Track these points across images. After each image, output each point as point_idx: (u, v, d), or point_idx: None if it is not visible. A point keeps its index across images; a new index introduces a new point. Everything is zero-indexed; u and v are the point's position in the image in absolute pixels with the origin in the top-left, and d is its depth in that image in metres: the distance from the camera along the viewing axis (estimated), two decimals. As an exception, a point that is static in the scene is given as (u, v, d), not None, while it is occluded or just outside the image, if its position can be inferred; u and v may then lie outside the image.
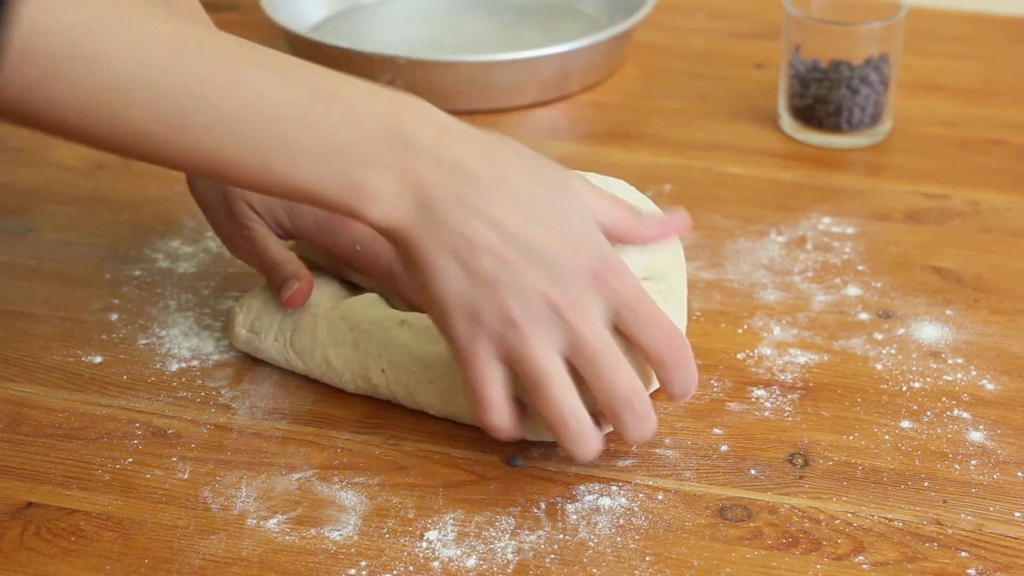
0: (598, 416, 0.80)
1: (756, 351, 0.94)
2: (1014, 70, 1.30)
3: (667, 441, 0.87)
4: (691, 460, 0.85)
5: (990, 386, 0.91)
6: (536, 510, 0.82)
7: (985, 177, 1.14)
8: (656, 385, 0.86)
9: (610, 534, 0.80)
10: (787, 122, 1.20)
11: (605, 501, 0.83)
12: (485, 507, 0.82)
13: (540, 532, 0.80)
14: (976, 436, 0.87)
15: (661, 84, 1.29)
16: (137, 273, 1.02)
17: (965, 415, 0.89)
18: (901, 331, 0.96)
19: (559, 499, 0.83)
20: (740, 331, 0.96)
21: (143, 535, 0.81)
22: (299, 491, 0.83)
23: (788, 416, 0.89)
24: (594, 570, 0.78)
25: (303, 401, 0.90)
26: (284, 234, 0.94)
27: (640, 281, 0.80)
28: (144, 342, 0.95)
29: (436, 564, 0.78)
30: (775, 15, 1.28)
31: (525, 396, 0.80)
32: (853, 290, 1.00)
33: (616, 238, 0.80)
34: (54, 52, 0.71)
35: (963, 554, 0.79)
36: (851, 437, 0.87)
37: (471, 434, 0.87)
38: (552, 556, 0.79)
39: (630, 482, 0.84)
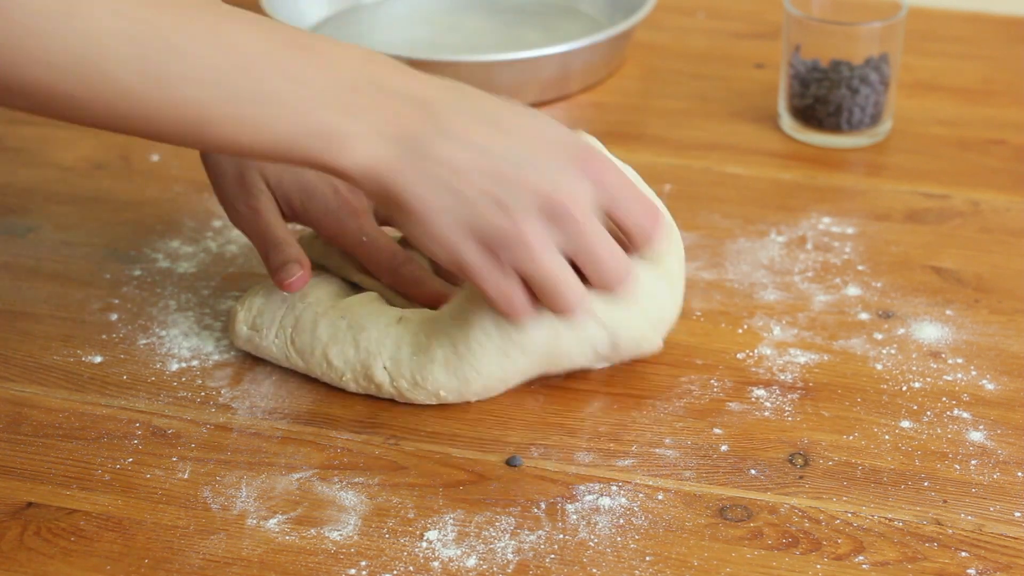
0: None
1: (756, 351, 0.94)
2: (1014, 70, 1.30)
3: (667, 441, 0.87)
4: (691, 460, 0.85)
5: (990, 386, 0.91)
6: (536, 510, 0.82)
7: (985, 177, 1.14)
8: (655, 347, 0.90)
9: (610, 534, 0.80)
10: (787, 122, 1.20)
11: (605, 501, 0.83)
12: (485, 507, 0.82)
13: (540, 532, 0.80)
14: (976, 436, 0.87)
15: (661, 84, 1.29)
16: (137, 273, 1.02)
17: (965, 415, 0.89)
18: (901, 331, 0.96)
19: (559, 499, 0.83)
20: (740, 331, 0.96)
21: (143, 535, 0.81)
22: (299, 491, 0.83)
23: (788, 416, 0.89)
24: (594, 570, 0.78)
25: (303, 401, 0.90)
26: (291, 216, 0.93)
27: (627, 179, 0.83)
28: (144, 342, 0.95)
29: (436, 564, 0.78)
30: (775, 15, 1.28)
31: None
32: (853, 290, 1.00)
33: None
34: (32, 6, 0.71)
35: (963, 554, 0.79)
36: (851, 437, 0.87)
37: (471, 434, 0.87)
38: (552, 556, 0.79)
39: (630, 482, 0.84)
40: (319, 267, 0.96)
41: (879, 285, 1.00)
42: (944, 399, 0.90)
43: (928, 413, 0.89)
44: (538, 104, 1.24)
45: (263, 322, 0.92)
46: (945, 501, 0.82)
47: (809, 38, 1.16)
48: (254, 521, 0.81)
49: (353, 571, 0.78)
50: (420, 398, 0.89)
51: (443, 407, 0.89)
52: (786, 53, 1.18)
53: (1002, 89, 1.27)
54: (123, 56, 0.73)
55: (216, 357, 0.94)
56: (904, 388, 0.91)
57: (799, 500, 0.82)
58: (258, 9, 1.31)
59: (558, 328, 0.86)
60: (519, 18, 1.37)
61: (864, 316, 0.97)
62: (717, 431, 0.88)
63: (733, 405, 0.90)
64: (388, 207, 0.80)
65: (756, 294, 1.00)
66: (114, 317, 0.98)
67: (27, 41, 0.72)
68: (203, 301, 0.99)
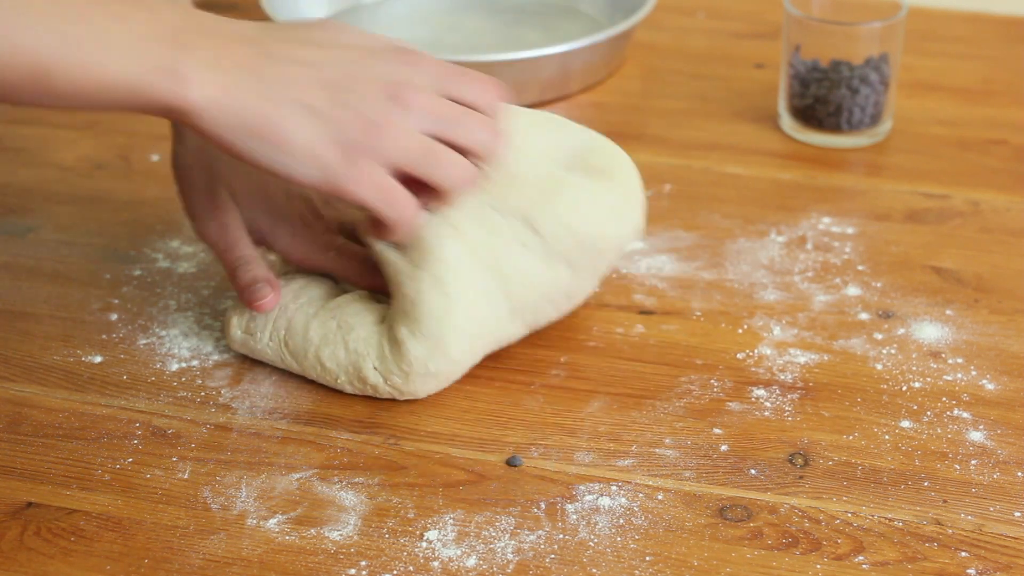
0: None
1: (756, 351, 0.94)
2: (1014, 70, 1.30)
3: (667, 441, 0.87)
4: (691, 460, 0.85)
5: (990, 386, 0.91)
6: (536, 510, 0.82)
7: (985, 177, 1.14)
8: (584, 296, 0.93)
9: (610, 534, 0.80)
10: (787, 122, 1.20)
11: (605, 501, 0.83)
12: (485, 507, 0.82)
13: (540, 532, 0.80)
14: (976, 436, 0.87)
15: (661, 84, 1.29)
16: (137, 273, 1.02)
17: (965, 415, 0.89)
18: (901, 331, 0.96)
19: (559, 499, 0.83)
20: (740, 331, 0.96)
21: (143, 535, 0.81)
22: (299, 491, 0.83)
23: (788, 416, 0.89)
24: (594, 570, 0.78)
25: (303, 401, 0.90)
26: (258, 240, 0.94)
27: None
28: (144, 342, 0.95)
29: (436, 564, 0.78)
30: (775, 15, 1.28)
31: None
32: (853, 290, 1.00)
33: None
34: None
35: (963, 554, 0.79)
36: (851, 437, 0.87)
37: (471, 434, 0.87)
38: (552, 556, 0.79)
39: (630, 482, 0.84)
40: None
41: (879, 285, 1.00)
42: (944, 399, 0.90)
43: (928, 413, 0.89)
44: (538, 104, 1.24)
45: (256, 326, 0.92)
46: (945, 501, 0.82)
47: (809, 38, 1.16)
48: (254, 521, 0.81)
49: (353, 571, 0.78)
50: (419, 387, 0.88)
51: (443, 407, 0.89)
52: (786, 53, 1.18)
53: (1002, 89, 1.27)
54: None
55: (216, 357, 0.94)
56: (904, 388, 0.91)
57: (799, 500, 0.82)
58: (257, 9, 1.31)
59: (479, 235, 0.87)
60: (519, 18, 1.37)
61: (864, 316, 0.97)
62: (717, 431, 0.88)
63: (733, 405, 0.90)
64: (246, 143, 0.80)
65: (756, 294, 1.00)
66: (114, 317, 0.98)
67: None
68: (203, 301, 0.99)
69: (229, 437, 0.88)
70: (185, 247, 1.05)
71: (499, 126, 0.86)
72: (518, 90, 1.24)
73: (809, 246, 1.05)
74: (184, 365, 0.93)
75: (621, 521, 0.81)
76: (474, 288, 0.87)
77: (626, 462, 0.85)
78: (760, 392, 0.91)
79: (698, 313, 0.98)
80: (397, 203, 0.83)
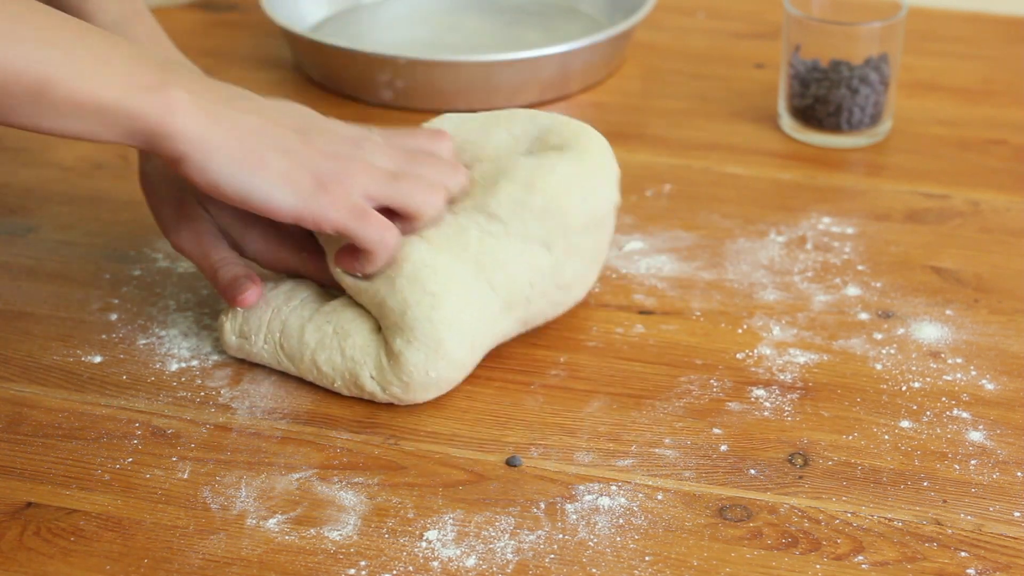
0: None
1: (756, 351, 0.94)
2: (1014, 70, 1.30)
3: (667, 441, 0.87)
4: (691, 460, 0.85)
5: (990, 386, 0.91)
6: (536, 510, 0.82)
7: (985, 177, 1.14)
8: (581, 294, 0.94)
9: (610, 534, 0.80)
10: (787, 122, 1.20)
11: (605, 501, 0.83)
12: (485, 507, 0.82)
13: (540, 532, 0.80)
14: (976, 436, 0.87)
15: (661, 84, 1.29)
16: (137, 273, 1.02)
17: (965, 415, 0.89)
18: (901, 331, 0.96)
19: (559, 499, 0.83)
20: (740, 331, 0.96)
21: (143, 535, 0.81)
22: (299, 491, 0.83)
23: (788, 416, 0.89)
24: (594, 570, 0.78)
25: (302, 401, 0.90)
26: (230, 245, 0.94)
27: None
28: (144, 342, 0.96)
29: (436, 564, 0.78)
30: (775, 15, 1.28)
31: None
32: (853, 290, 1.00)
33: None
34: None
35: (963, 554, 0.79)
36: (851, 437, 0.87)
37: (471, 434, 0.87)
38: (552, 556, 0.79)
39: (630, 482, 0.84)
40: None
41: (879, 285, 1.00)
42: (944, 399, 0.90)
43: (928, 413, 0.89)
44: (538, 104, 1.24)
45: (250, 329, 0.92)
46: (945, 501, 0.82)
47: (809, 38, 1.16)
48: (254, 521, 0.81)
49: (353, 571, 0.78)
50: (419, 396, 0.88)
51: (443, 407, 0.89)
52: (786, 53, 1.18)
53: (1002, 89, 1.27)
54: None
55: (216, 357, 0.94)
56: (904, 388, 0.91)
57: (799, 500, 0.82)
58: (257, 9, 1.31)
59: (448, 235, 0.88)
60: (519, 18, 1.37)
61: (864, 316, 0.97)
62: (717, 431, 0.88)
63: (733, 405, 0.90)
64: (223, 169, 0.83)
65: (756, 294, 1.00)
66: (114, 317, 0.98)
67: None
68: (203, 301, 0.99)
69: (229, 437, 0.88)
70: (185, 247, 1.05)
71: (456, 163, 0.90)
72: (518, 90, 1.24)
73: (809, 246, 1.05)
74: (184, 365, 0.93)
75: (621, 521, 0.81)
76: (457, 282, 0.87)
77: (626, 462, 0.85)
78: (760, 392, 0.91)
79: (698, 313, 0.98)
80: (373, 225, 0.85)
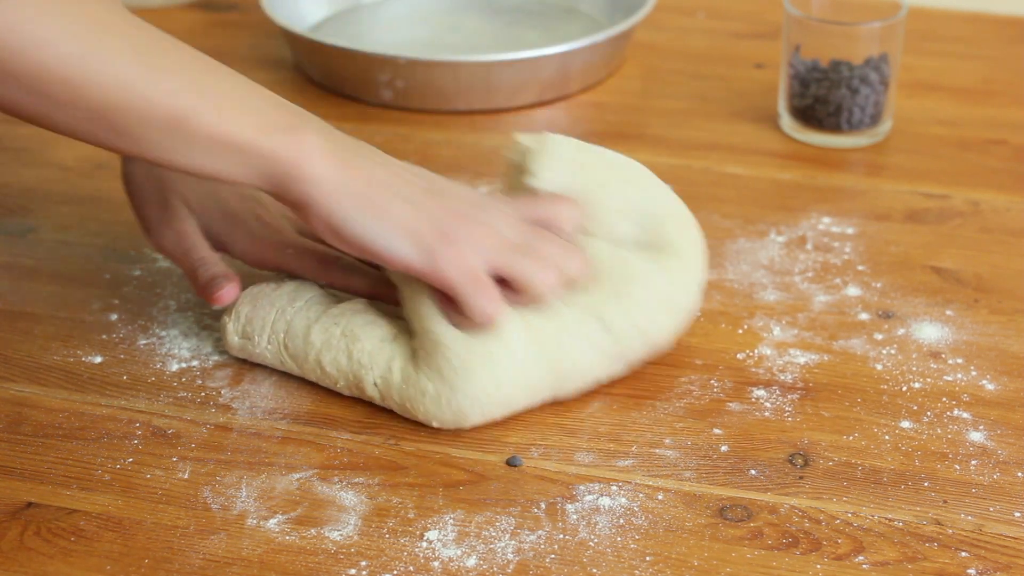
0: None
1: (756, 351, 0.94)
2: (1014, 70, 1.30)
3: (667, 441, 0.87)
4: (691, 460, 0.85)
5: (990, 386, 0.91)
6: (536, 510, 0.82)
7: (985, 177, 1.14)
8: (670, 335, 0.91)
9: (610, 534, 0.80)
10: (787, 122, 1.20)
11: (605, 501, 0.83)
12: (485, 507, 0.82)
13: (540, 532, 0.80)
14: (976, 436, 0.87)
15: (661, 84, 1.29)
16: (137, 273, 1.02)
17: (965, 415, 0.89)
18: (901, 331, 0.96)
19: (559, 499, 0.83)
20: (740, 331, 0.96)
21: (143, 535, 0.81)
22: (299, 491, 0.83)
23: (788, 416, 0.89)
24: (594, 570, 0.78)
25: (303, 401, 0.90)
26: (214, 245, 0.94)
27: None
28: (144, 342, 0.96)
29: (436, 564, 0.78)
30: (775, 15, 1.28)
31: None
32: (853, 290, 1.00)
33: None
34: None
35: (963, 554, 0.79)
36: (851, 437, 0.87)
37: (471, 434, 0.87)
38: (552, 556, 0.79)
39: (630, 482, 0.84)
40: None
41: (879, 285, 1.00)
42: (944, 399, 0.90)
43: (928, 413, 0.89)
44: (538, 104, 1.24)
45: (253, 329, 0.92)
46: (945, 501, 0.82)
47: (809, 38, 1.16)
48: (254, 521, 0.81)
49: (353, 571, 0.78)
50: (419, 418, 0.88)
51: (443, 407, 0.90)
52: (786, 53, 1.18)
53: (1002, 89, 1.27)
54: (119, 47, 0.79)
55: (216, 357, 0.94)
56: (904, 388, 0.91)
57: (799, 500, 0.82)
58: (258, 9, 1.31)
59: (547, 330, 0.86)
60: (519, 18, 1.37)
61: (864, 316, 0.97)
62: (717, 431, 0.88)
63: (733, 405, 0.90)
64: (349, 214, 0.83)
65: (756, 294, 1.00)
66: (114, 317, 0.98)
67: (29, 26, 0.77)
68: (203, 301, 0.99)
69: (229, 437, 0.88)
70: (185, 247, 1.05)
71: (576, 247, 0.88)
72: (518, 90, 1.24)
73: (809, 246, 1.05)
74: (184, 365, 0.93)
75: (621, 521, 0.81)
76: (523, 387, 0.87)
77: (626, 462, 0.85)
78: (760, 392, 0.91)
79: (698, 313, 0.97)
80: (483, 294, 0.84)
